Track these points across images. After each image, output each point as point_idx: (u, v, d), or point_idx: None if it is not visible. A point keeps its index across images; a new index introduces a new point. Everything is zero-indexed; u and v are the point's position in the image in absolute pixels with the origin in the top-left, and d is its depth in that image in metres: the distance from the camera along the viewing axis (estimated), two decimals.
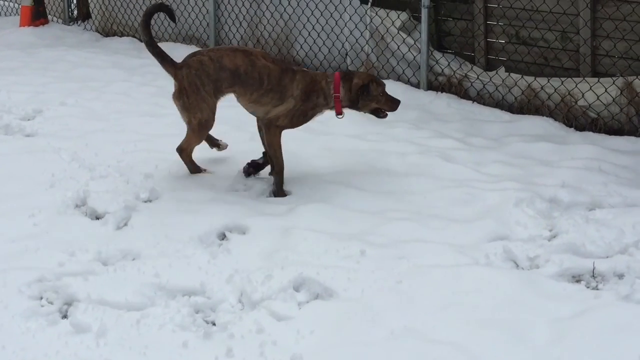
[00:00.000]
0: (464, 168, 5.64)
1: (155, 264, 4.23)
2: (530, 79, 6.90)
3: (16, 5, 11.57)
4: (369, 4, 7.83)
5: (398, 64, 7.64)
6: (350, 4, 7.95)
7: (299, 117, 5.35)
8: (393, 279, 4.09)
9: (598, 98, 6.49)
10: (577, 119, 6.65)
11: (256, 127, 5.76)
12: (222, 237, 4.64)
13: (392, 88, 5.79)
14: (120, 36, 10.07)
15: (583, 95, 6.57)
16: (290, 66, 5.47)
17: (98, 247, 4.42)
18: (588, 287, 4.11)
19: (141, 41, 9.65)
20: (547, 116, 6.77)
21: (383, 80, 5.53)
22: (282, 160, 5.33)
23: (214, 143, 5.74)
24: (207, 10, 9.14)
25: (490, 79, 7.11)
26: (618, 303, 3.86)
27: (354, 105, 5.35)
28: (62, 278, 4.08)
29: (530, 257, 4.37)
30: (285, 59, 5.43)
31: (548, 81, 6.79)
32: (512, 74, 7.05)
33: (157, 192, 5.15)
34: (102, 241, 4.51)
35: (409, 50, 7.56)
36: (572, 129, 6.63)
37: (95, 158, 5.70)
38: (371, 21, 7.82)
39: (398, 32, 7.62)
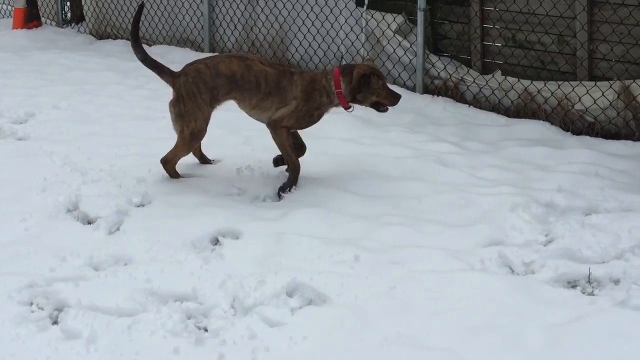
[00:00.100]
0: (459, 172, 5.60)
1: (147, 269, 4.19)
2: (526, 82, 6.87)
3: (9, 7, 11.52)
4: (365, 6, 7.79)
5: (394, 67, 7.60)
6: (345, 6, 7.91)
7: (305, 118, 5.32)
8: (387, 285, 4.05)
9: (595, 102, 6.45)
10: (574, 123, 6.62)
11: (250, 131, 5.74)
12: (215, 242, 4.59)
13: None
14: (114, 39, 10.03)
15: (580, 99, 6.54)
16: (289, 68, 5.42)
17: (89, 252, 4.37)
18: (584, 293, 4.07)
19: None
20: (543, 120, 6.74)
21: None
22: (295, 159, 5.34)
23: (206, 161, 5.69)
24: (202, 13, 9.10)
25: (487, 83, 7.08)
26: (614, 309, 3.83)
27: (355, 97, 5.31)
28: (52, 283, 4.03)
29: (526, 263, 4.33)
30: (284, 63, 5.40)
31: (545, 85, 6.75)
32: (508, 78, 7.01)
33: (149, 197, 5.10)
34: (93, 246, 4.46)
35: (405, 53, 7.53)
36: (569, 133, 6.59)
37: (88, 162, 5.66)
38: (367, 24, 7.79)
39: (394, 35, 7.58)
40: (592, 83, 6.51)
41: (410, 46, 7.49)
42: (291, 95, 5.27)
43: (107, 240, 4.58)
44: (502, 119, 6.90)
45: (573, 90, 6.57)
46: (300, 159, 5.68)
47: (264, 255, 4.39)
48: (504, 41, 7.14)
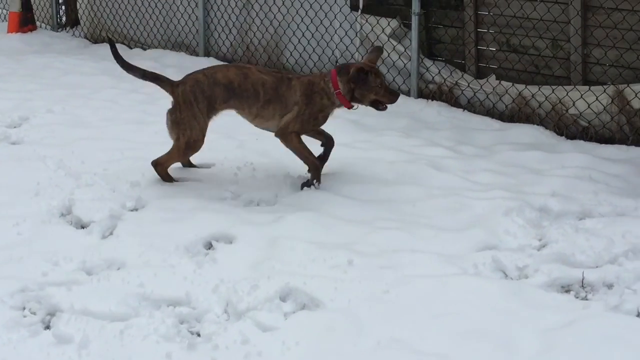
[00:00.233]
0: (453, 177, 5.60)
1: (140, 274, 4.17)
2: (521, 86, 6.87)
3: (4, 11, 11.51)
4: (359, 11, 7.80)
5: (388, 71, 7.60)
6: (340, 11, 7.92)
7: (310, 121, 5.35)
8: (380, 289, 4.04)
9: (589, 106, 6.46)
10: (568, 128, 6.62)
11: (245, 135, 5.74)
12: (209, 246, 4.59)
13: None
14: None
15: (574, 104, 6.55)
16: (286, 75, 5.46)
17: (82, 257, 4.36)
18: (577, 297, 4.07)
19: (130, 48, 9.67)
20: (538, 124, 6.74)
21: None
22: (313, 159, 5.38)
23: (191, 165, 5.66)
24: (197, 17, 9.10)
25: (481, 87, 7.08)
26: (607, 314, 3.82)
27: (354, 96, 5.33)
28: (45, 288, 4.02)
29: (519, 267, 4.32)
30: (281, 70, 5.45)
31: (539, 89, 6.76)
32: (502, 82, 7.02)
33: (143, 201, 5.09)
34: (86, 251, 4.45)
35: (400, 57, 7.53)
36: (563, 137, 6.60)
37: (82, 166, 5.65)
38: (361, 28, 7.79)
39: (388, 40, 7.59)
40: (586, 87, 6.51)
41: (405, 50, 7.49)
42: (292, 100, 5.30)
43: (100, 245, 4.57)
44: (496, 124, 6.90)
45: (567, 94, 6.57)
46: (294, 163, 5.69)
47: (258, 259, 4.38)
48: (498, 45, 7.14)
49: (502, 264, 4.35)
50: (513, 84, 6.92)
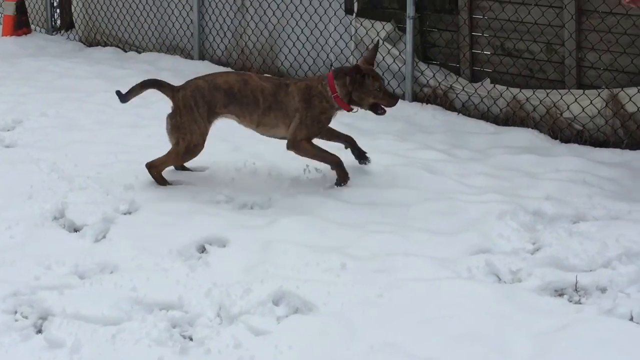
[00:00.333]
0: (448, 180, 5.59)
1: (133, 278, 4.16)
2: (515, 90, 6.87)
3: None
4: (354, 14, 7.80)
5: (383, 75, 7.58)
6: (335, 14, 7.92)
7: (314, 125, 5.36)
8: (373, 293, 4.03)
9: (583, 110, 6.46)
10: (563, 131, 6.62)
11: (240, 138, 5.75)
12: (202, 250, 4.57)
13: None
14: (104, 46, 10.01)
15: (568, 107, 6.55)
16: (284, 81, 5.48)
17: (75, 260, 4.34)
18: (570, 301, 4.06)
19: (125, 51, 9.66)
20: (532, 128, 6.74)
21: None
22: (331, 157, 5.40)
23: (183, 168, 5.64)
24: (192, 20, 9.10)
25: (476, 91, 7.08)
26: (600, 318, 3.82)
27: (352, 98, 5.34)
28: (37, 292, 4.00)
29: (513, 271, 4.31)
30: (281, 78, 5.51)
31: (533, 93, 6.76)
32: (497, 86, 7.02)
33: (136, 204, 5.08)
34: (79, 254, 4.43)
35: (394, 61, 7.53)
36: (558, 140, 6.59)
37: (75, 169, 5.63)
38: (356, 32, 7.79)
39: (383, 43, 7.58)
40: (581, 91, 6.52)
41: (400, 54, 7.50)
42: (292, 107, 5.32)
43: (93, 248, 4.56)
44: (491, 127, 6.89)
45: (561, 98, 6.58)
46: (287, 167, 5.68)
47: (251, 263, 4.37)
48: (493, 49, 7.14)
49: (495, 268, 4.34)
50: (507, 88, 6.92)
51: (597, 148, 6.33)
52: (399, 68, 7.49)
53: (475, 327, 3.76)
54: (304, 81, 5.47)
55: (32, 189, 5.27)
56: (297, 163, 5.83)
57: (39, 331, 3.74)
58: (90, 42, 10.22)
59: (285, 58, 8.33)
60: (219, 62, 8.89)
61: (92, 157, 5.89)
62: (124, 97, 5.48)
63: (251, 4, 8.55)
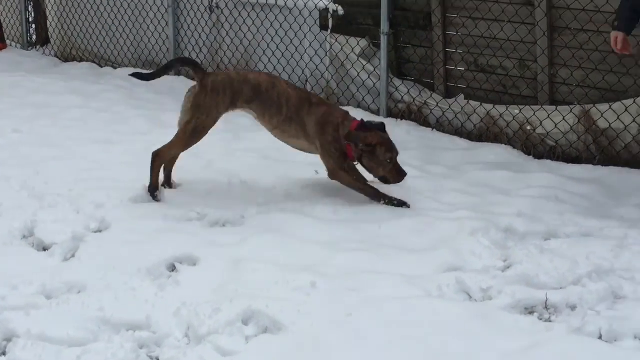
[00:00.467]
0: (420, 197, 5.59)
1: (101, 297, 4.12)
2: (489, 106, 6.89)
3: None
4: (329, 30, 7.80)
5: (358, 90, 7.62)
6: (310, 30, 7.92)
7: (338, 151, 5.40)
8: (343, 312, 4.01)
9: (556, 126, 6.49)
10: (536, 147, 6.65)
11: (212, 155, 5.77)
12: (172, 268, 4.54)
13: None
14: (80, 61, 9.96)
15: (541, 123, 6.58)
16: (309, 97, 5.53)
17: (43, 280, 4.28)
18: (541, 319, 4.06)
19: (100, 67, 9.62)
20: (506, 144, 6.77)
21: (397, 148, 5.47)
22: (369, 189, 5.42)
23: (169, 184, 5.64)
24: (167, 36, 9.08)
25: (450, 107, 7.10)
26: (569, 336, 3.81)
27: (361, 161, 5.40)
28: (2, 312, 3.94)
29: (483, 289, 4.30)
30: (311, 93, 5.57)
31: (507, 109, 6.79)
32: (471, 102, 7.04)
33: (107, 222, 5.04)
34: (47, 273, 4.38)
35: (369, 77, 7.54)
36: (531, 156, 6.62)
37: (46, 187, 5.58)
38: (331, 48, 7.80)
39: (358, 59, 7.60)
40: (553, 107, 6.55)
41: (374, 70, 7.51)
42: (311, 129, 5.40)
43: (62, 268, 4.51)
44: (464, 143, 6.91)
45: (534, 114, 6.60)
46: (261, 183, 5.68)
47: (221, 282, 4.34)
48: (467, 65, 7.17)
49: (466, 286, 4.33)
50: (481, 104, 6.95)
51: (570, 164, 6.36)
52: (374, 84, 7.50)
53: (445, 346, 3.74)
54: (325, 106, 5.50)
55: (2, 207, 5.22)
56: (270, 180, 5.83)
57: (3, 353, 3.68)
58: (66, 57, 10.17)
59: None
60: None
61: (63, 174, 5.84)
62: (149, 76, 5.72)
63: (226, 20, 8.55)
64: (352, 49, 7.62)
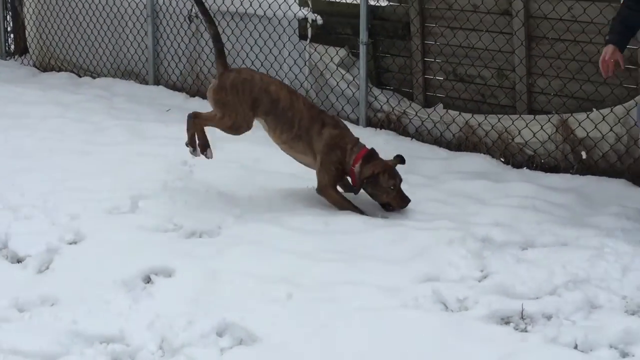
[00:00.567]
0: None
1: (74, 310, 4.09)
2: (467, 115, 6.90)
3: None
4: (308, 40, 7.80)
5: (337, 100, 7.60)
6: (289, 39, 7.91)
7: (331, 168, 5.45)
8: (318, 323, 3.99)
9: (534, 135, 6.50)
10: (514, 156, 6.65)
11: (190, 166, 5.75)
12: (147, 280, 4.50)
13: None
14: (58, 71, 9.89)
15: (520, 133, 6.58)
16: (323, 117, 5.55)
17: (15, 293, 4.24)
18: (516, 329, 4.05)
19: (79, 76, 9.57)
20: (484, 153, 6.76)
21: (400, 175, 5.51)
22: (354, 208, 5.45)
23: (203, 144, 5.55)
24: (146, 46, 9.03)
25: (429, 116, 7.10)
26: (544, 345, 3.81)
27: (365, 190, 5.45)
28: None
29: (460, 299, 4.29)
30: (322, 112, 5.69)
31: (485, 118, 6.79)
32: (450, 111, 7.04)
33: (82, 234, 5.00)
34: (20, 286, 4.35)
35: (348, 86, 7.53)
36: (509, 166, 6.61)
37: (21, 198, 5.52)
38: (310, 57, 7.79)
39: (337, 69, 7.59)
40: (531, 117, 6.56)
41: (353, 79, 7.50)
42: (317, 147, 5.44)
43: (35, 280, 4.47)
44: (443, 152, 6.90)
45: (513, 123, 6.61)
46: (239, 195, 5.67)
47: (196, 294, 4.31)
48: (445, 75, 7.17)
49: (442, 296, 4.32)
50: (460, 113, 6.95)
51: (548, 173, 6.36)
52: (353, 93, 7.50)
53: (419, 357, 3.74)
54: (337, 131, 5.52)
55: None
56: (248, 190, 5.81)
57: None
58: (45, 67, 10.11)
59: None
60: (174, 87, 8.84)
61: (39, 185, 5.78)
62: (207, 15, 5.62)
63: (205, 29, 8.51)
64: (331, 58, 7.61)
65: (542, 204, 5.65)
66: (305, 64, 7.85)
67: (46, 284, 4.41)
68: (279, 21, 7.91)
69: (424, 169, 6.51)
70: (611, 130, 6.15)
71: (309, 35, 7.79)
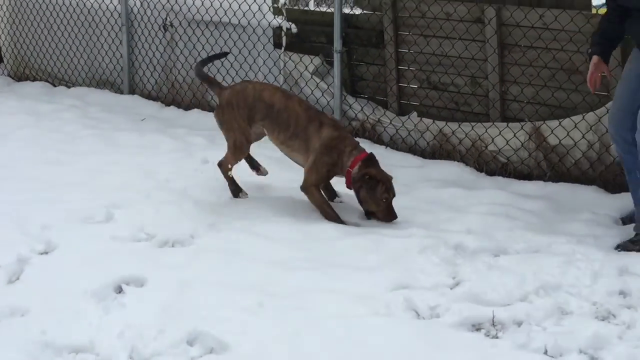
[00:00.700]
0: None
1: (44, 321, 4.05)
2: (441, 123, 6.92)
3: None
4: (282, 48, 7.81)
5: None
6: (264, 48, 7.92)
7: (323, 169, 5.49)
8: (290, 331, 3.99)
9: (507, 143, 6.53)
10: (488, 164, 6.68)
11: (166, 174, 5.75)
12: (119, 290, 4.48)
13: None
14: (33, 80, 9.86)
15: (493, 140, 6.61)
16: (319, 117, 5.60)
17: None
18: (487, 336, 4.06)
19: (54, 86, 9.53)
20: (458, 161, 6.78)
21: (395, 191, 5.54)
22: (332, 213, 5.48)
23: (254, 166, 5.98)
24: (121, 55, 9.01)
25: (403, 124, 7.12)
26: (514, 352, 3.83)
27: (356, 192, 5.48)
28: None
29: (431, 306, 4.30)
30: (320, 113, 5.70)
31: (459, 126, 6.81)
32: (424, 119, 7.06)
33: (53, 244, 4.97)
34: None
35: (323, 95, 7.55)
36: (483, 173, 6.63)
37: None
38: (285, 65, 7.80)
39: (311, 77, 7.60)
40: (505, 124, 6.59)
41: (328, 88, 7.52)
42: (314, 146, 5.47)
43: (5, 291, 4.43)
44: (418, 160, 6.91)
45: (486, 131, 6.64)
46: (212, 202, 5.66)
47: (167, 303, 4.29)
48: (419, 83, 7.19)
49: (414, 304, 4.32)
50: (434, 121, 6.97)
51: (521, 181, 6.39)
52: (328, 102, 7.51)
53: None
54: (337, 132, 5.55)
55: None
56: (222, 199, 5.80)
57: None
58: (19, 76, 10.07)
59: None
60: (149, 97, 8.82)
61: (10, 195, 5.75)
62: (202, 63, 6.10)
63: (180, 38, 8.52)
64: (306, 66, 7.62)
65: (515, 211, 5.67)
66: (279, 73, 7.86)
67: (16, 294, 4.37)
68: (254, 30, 7.92)
69: (398, 177, 6.44)
70: (583, 137, 6.19)
71: (284, 43, 7.81)
